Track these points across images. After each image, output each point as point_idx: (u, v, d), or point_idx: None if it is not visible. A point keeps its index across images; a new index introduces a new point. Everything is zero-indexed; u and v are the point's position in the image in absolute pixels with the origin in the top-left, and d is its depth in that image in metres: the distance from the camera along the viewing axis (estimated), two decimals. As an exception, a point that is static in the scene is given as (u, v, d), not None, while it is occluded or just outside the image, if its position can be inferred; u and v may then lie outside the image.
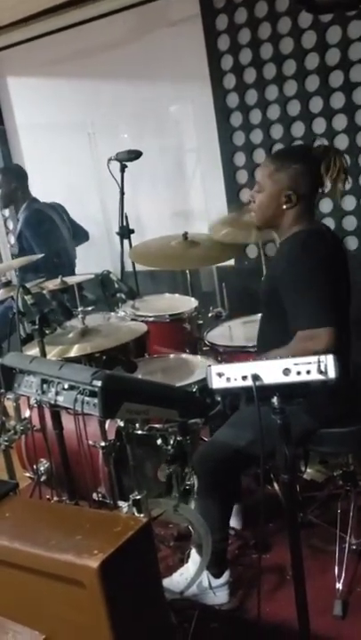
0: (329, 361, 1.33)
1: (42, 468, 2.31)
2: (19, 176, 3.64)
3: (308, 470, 2.57)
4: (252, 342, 2.26)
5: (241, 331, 2.70)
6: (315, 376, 1.33)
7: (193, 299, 2.90)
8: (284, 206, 1.89)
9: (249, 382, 1.36)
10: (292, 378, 1.35)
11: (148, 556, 1.24)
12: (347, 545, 2.05)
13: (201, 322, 2.84)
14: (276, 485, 2.35)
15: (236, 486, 2.17)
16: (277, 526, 2.23)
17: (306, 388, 1.38)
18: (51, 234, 3.56)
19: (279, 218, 1.92)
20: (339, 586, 1.97)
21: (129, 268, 3.29)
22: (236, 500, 2.23)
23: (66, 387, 1.42)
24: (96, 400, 1.34)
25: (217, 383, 1.39)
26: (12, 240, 4.01)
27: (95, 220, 3.93)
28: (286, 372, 1.35)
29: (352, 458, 2.15)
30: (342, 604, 1.92)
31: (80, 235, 3.80)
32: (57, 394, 1.44)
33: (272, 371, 1.36)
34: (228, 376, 1.38)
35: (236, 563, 2.16)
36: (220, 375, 1.38)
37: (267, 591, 2.02)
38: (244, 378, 1.37)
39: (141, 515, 1.58)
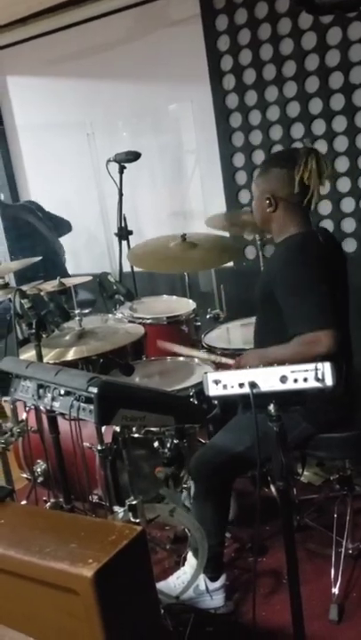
0: (326, 368, 1.33)
1: (38, 470, 2.30)
2: None
3: (306, 473, 2.57)
4: (249, 345, 2.25)
5: (239, 333, 2.70)
6: (312, 383, 1.34)
7: (191, 301, 2.89)
8: (268, 210, 1.92)
9: (246, 390, 1.36)
10: (290, 385, 1.35)
11: (143, 564, 1.24)
12: (343, 549, 2.06)
13: (199, 323, 2.84)
14: (273, 487, 2.35)
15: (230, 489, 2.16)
16: (274, 529, 2.23)
17: (303, 396, 1.38)
18: (28, 236, 3.52)
19: (269, 221, 1.96)
20: (335, 590, 1.97)
21: (127, 268, 3.29)
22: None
23: (62, 392, 1.42)
24: (92, 406, 1.34)
25: (214, 391, 1.39)
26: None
27: (94, 220, 3.91)
28: (283, 379, 1.35)
29: (349, 462, 2.15)
30: (338, 609, 1.92)
31: (62, 226, 3.74)
32: (53, 399, 1.44)
33: (269, 378, 1.36)
34: (225, 383, 1.38)
35: (232, 566, 2.17)
36: (216, 382, 1.38)
37: (263, 595, 2.02)
38: (241, 385, 1.37)
39: (137, 520, 1.58)
